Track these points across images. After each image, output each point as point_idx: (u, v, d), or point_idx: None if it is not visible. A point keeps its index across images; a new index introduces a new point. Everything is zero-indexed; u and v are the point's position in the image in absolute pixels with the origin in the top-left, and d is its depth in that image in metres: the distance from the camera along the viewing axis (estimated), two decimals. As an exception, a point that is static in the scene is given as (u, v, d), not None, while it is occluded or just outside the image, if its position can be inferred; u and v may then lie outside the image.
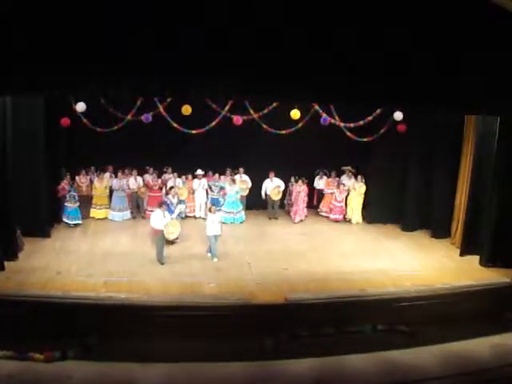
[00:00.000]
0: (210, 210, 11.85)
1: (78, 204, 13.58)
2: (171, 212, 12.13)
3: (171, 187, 13.66)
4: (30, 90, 9.65)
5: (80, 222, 13.70)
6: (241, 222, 14.66)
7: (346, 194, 15.14)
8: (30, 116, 11.74)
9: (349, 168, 15.48)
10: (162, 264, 11.14)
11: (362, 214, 15.21)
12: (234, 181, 14.77)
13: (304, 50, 9.46)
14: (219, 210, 13.56)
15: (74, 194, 13.45)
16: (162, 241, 11.37)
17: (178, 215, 12.70)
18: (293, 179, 15.37)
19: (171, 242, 12.12)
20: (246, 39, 9.28)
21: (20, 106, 11.34)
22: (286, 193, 15.58)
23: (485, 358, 8.69)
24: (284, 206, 15.77)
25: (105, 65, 9.23)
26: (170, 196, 13.07)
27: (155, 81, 9.67)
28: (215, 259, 11.53)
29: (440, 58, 9.88)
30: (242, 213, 14.77)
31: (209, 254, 11.67)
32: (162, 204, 11.85)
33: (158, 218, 11.39)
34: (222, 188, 14.73)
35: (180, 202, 13.69)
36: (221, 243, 11.93)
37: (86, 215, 14.28)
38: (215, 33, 9.13)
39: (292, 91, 9.90)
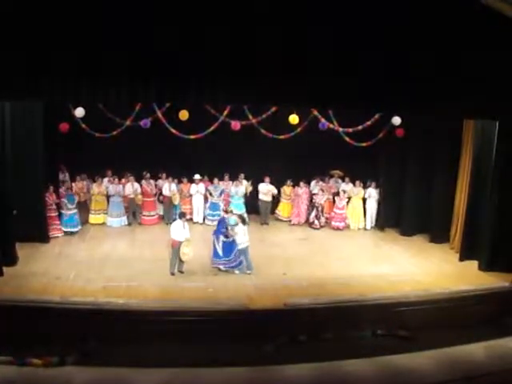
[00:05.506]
0: (239, 219, 11.29)
1: (73, 211, 13.35)
2: (221, 233, 11.29)
3: (231, 210, 12.38)
4: (29, 96, 9.69)
5: (74, 229, 13.37)
6: None
7: (346, 200, 15.05)
8: (29, 121, 11.73)
9: (337, 172, 15.44)
10: (172, 275, 10.86)
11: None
12: (240, 182, 14.74)
13: (304, 52, 9.52)
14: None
15: (66, 200, 13.22)
16: (177, 253, 10.95)
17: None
18: (289, 182, 15.29)
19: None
20: (246, 43, 9.35)
21: (19, 112, 11.34)
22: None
23: (484, 362, 8.66)
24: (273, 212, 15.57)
25: (104, 70, 9.28)
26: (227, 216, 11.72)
27: (154, 86, 9.71)
28: (251, 270, 11.17)
29: (439, 60, 9.93)
30: None
31: (237, 271, 11.18)
32: (182, 215, 11.50)
33: (177, 229, 11.03)
34: (222, 192, 14.71)
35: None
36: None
37: (84, 221, 14.24)
38: (214, 37, 9.18)
39: (291, 95, 9.95)
